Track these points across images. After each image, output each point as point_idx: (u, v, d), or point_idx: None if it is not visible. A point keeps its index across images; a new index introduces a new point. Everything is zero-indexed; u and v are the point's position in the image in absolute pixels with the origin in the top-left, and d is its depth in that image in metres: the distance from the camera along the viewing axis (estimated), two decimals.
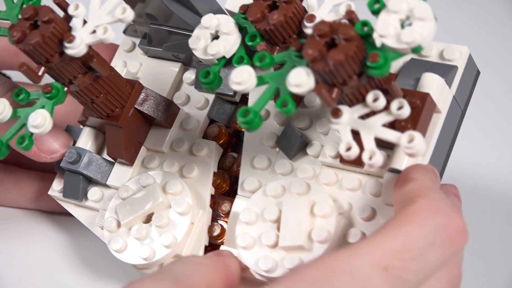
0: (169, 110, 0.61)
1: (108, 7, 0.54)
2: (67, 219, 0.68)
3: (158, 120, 0.60)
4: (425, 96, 0.53)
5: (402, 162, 0.52)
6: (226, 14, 0.59)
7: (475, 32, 0.76)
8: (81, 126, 0.63)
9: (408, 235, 0.46)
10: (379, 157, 0.49)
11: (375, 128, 0.50)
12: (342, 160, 0.55)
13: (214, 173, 0.60)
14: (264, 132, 0.59)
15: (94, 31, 0.53)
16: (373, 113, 0.51)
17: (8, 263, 0.68)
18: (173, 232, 0.57)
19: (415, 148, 0.48)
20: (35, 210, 0.70)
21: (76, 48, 0.53)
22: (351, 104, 0.51)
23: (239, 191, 0.59)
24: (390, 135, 0.50)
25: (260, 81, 0.51)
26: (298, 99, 0.59)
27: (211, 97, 0.62)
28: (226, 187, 0.61)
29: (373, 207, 0.54)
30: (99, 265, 0.67)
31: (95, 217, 0.61)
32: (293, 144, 0.57)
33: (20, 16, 0.54)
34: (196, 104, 0.62)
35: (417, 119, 0.52)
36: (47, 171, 0.65)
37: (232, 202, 0.60)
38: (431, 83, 0.54)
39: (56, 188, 0.63)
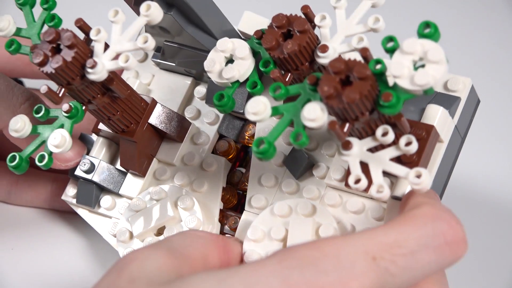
0: (181, 125, 0.61)
1: (129, 34, 0.54)
2: (79, 218, 0.68)
3: (170, 134, 0.61)
4: (430, 128, 0.54)
5: (405, 190, 0.53)
6: (238, 34, 0.60)
7: (476, 61, 0.77)
8: (95, 136, 0.64)
9: (403, 233, 0.46)
10: (387, 191, 0.50)
11: (384, 162, 0.51)
12: (347, 184, 0.56)
13: (223, 188, 0.61)
14: None
15: (115, 57, 0.53)
16: (381, 146, 0.52)
17: (21, 259, 0.68)
18: None
19: (422, 184, 0.50)
20: (48, 209, 0.70)
21: (98, 73, 0.53)
22: (360, 137, 0.52)
23: (246, 207, 0.59)
24: (399, 171, 0.51)
25: (275, 111, 0.52)
26: None
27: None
28: (234, 201, 0.61)
29: None
30: (110, 263, 0.68)
31: (107, 224, 0.62)
32: (300, 164, 0.58)
33: (42, 38, 0.54)
34: (206, 119, 0.62)
35: (422, 150, 0.53)
36: (60, 172, 0.66)
37: (240, 217, 0.60)
38: (435, 115, 0.55)
39: (69, 193, 0.64)
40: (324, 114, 0.50)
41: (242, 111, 0.61)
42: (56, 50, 0.54)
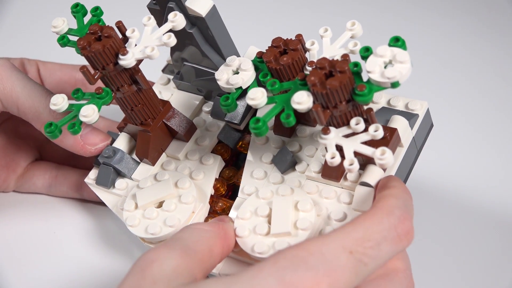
0: (189, 128, 0.61)
1: (158, 34, 0.54)
2: (98, 207, 0.69)
3: (179, 134, 0.60)
4: (394, 131, 0.53)
5: (371, 177, 0.53)
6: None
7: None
8: (119, 133, 0.63)
9: (368, 228, 0.46)
10: (356, 164, 0.49)
11: (355, 144, 0.50)
12: (323, 175, 0.55)
13: (216, 179, 0.60)
14: (264, 152, 0.59)
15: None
16: (353, 134, 0.51)
17: (42, 238, 0.68)
18: (177, 216, 0.56)
19: (385, 160, 0.49)
20: (76, 199, 0.70)
21: (128, 60, 0.54)
22: (337, 126, 0.51)
23: (239, 194, 0.58)
24: (367, 150, 0.50)
25: (270, 100, 0.52)
26: (293, 126, 0.60)
27: (221, 124, 0.62)
28: (223, 191, 0.60)
29: (345, 212, 0.54)
30: (116, 241, 0.67)
31: (118, 202, 0.60)
32: (285, 161, 0.57)
33: (87, 32, 0.55)
34: (209, 127, 0.62)
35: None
36: (89, 169, 0.65)
37: (227, 202, 0.59)
38: (398, 122, 0.55)
39: (91, 177, 0.62)
40: (309, 99, 0.50)
41: (237, 122, 0.61)
42: (98, 40, 0.54)
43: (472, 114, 0.76)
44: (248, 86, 0.56)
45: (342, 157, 0.51)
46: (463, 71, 0.80)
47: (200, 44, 0.60)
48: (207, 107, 0.64)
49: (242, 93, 0.57)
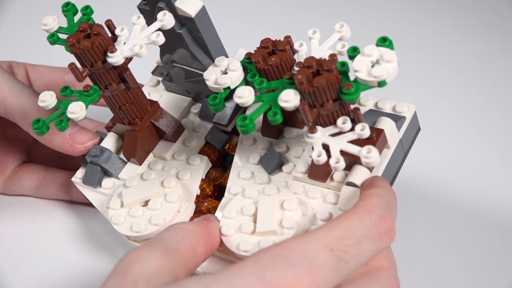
0: (176, 128, 0.59)
1: (147, 33, 0.53)
2: (86, 208, 0.67)
3: (167, 134, 0.59)
4: (380, 131, 0.51)
5: (357, 177, 0.51)
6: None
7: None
8: (107, 133, 0.61)
9: (349, 226, 0.45)
10: (342, 162, 0.48)
11: (342, 143, 0.49)
12: (310, 176, 0.54)
13: (202, 179, 0.58)
14: (251, 153, 0.58)
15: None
16: (340, 133, 0.50)
17: (29, 240, 0.66)
18: (162, 215, 0.54)
19: (371, 158, 0.48)
20: (63, 201, 0.68)
21: (116, 57, 0.52)
22: (324, 125, 0.50)
23: (226, 194, 0.56)
24: (353, 149, 0.49)
25: (258, 98, 0.50)
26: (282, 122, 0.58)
27: (209, 125, 0.61)
28: (209, 192, 0.58)
29: (330, 212, 0.52)
30: (101, 242, 0.65)
31: (104, 201, 0.59)
32: (272, 162, 0.56)
33: (77, 30, 0.53)
34: (197, 129, 0.60)
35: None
36: (76, 170, 0.63)
37: (212, 203, 0.58)
38: (385, 124, 0.53)
39: (78, 176, 0.61)
40: (296, 97, 0.49)
41: (225, 123, 0.59)
42: (86, 37, 0.53)
43: (460, 116, 0.75)
44: (236, 86, 0.55)
45: (329, 156, 0.49)
46: (452, 74, 0.80)
47: (189, 45, 0.58)
48: (195, 109, 0.63)
49: (230, 94, 0.56)
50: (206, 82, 0.54)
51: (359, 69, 0.48)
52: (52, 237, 0.66)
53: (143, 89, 0.65)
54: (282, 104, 0.49)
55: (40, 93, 0.60)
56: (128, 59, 0.55)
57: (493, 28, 0.85)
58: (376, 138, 0.52)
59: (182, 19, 0.57)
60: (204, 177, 0.59)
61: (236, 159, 0.58)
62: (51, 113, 0.55)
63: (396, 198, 0.49)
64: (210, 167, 0.60)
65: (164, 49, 0.61)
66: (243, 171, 0.57)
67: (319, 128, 0.50)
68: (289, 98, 0.49)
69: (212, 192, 0.59)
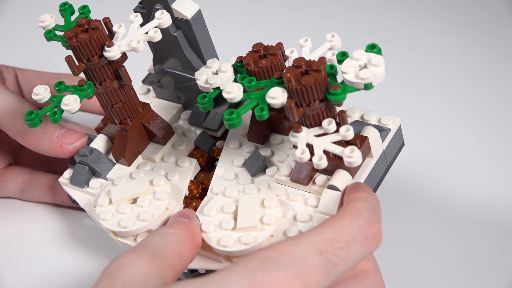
0: (166, 131, 0.57)
1: (145, 29, 0.52)
2: (70, 211, 0.65)
3: (157, 137, 0.57)
4: (364, 138, 0.49)
5: (339, 181, 0.49)
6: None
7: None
8: (97, 135, 0.59)
9: (337, 230, 0.43)
10: (325, 160, 0.46)
11: (326, 143, 0.47)
12: (292, 179, 0.51)
13: (191, 181, 0.55)
14: (235, 156, 0.55)
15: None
16: (325, 134, 0.47)
17: (14, 244, 0.64)
18: (151, 211, 0.52)
19: (354, 158, 0.45)
20: (49, 204, 0.65)
21: (113, 52, 0.51)
22: (310, 126, 0.48)
23: (208, 194, 0.54)
24: (336, 149, 0.47)
25: (246, 95, 0.49)
26: (268, 129, 0.56)
27: (199, 131, 0.59)
28: (196, 193, 0.56)
29: (310, 214, 0.50)
30: (85, 244, 0.62)
31: (91, 200, 0.56)
32: (256, 164, 0.53)
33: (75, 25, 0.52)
34: (187, 133, 0.58)
35: None
36: (62, 173, 0.60)
37: (200, 203, 0.54)
38: (369, 132, 0.51)
39: (65, 176, 0.58)
40: (284, 94, 0.46)
41: (215, 128, 0.57)
42: (84, 32, 0.51)
43: (449, 117, 0.74)
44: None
45: (312, 155, 0.46)
46: (437, 79, 0.78)
47: (183, 48, 0.57)
48: (185, 115, 0.61)
49: (222, 99, 0.53)
50: (197, 81, 0.52)
51: (347, 71, 0.47)
52: (38, 239, 0.64)
53: None
54: (269, 100, 0.47)
55: (28, 99, 0.58)
56: (124, 57, 0.53)
57: (477, 30, 0.84)
58: (359, 144, 0.50)
59: (177, 22, 0.56)
60: (192, 179, 0.56)
61: (221, 161, 0.56)
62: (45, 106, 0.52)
63: (379, 203, 0.48)
64: (199, 170, 0.57)
65: (158, 56, 0.59)
66: (227, 173, 0.55)
67: (304, 128, 0.48)
68: (277, 95, 0.47)
69: (200, 194, 0.57)
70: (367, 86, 0.46)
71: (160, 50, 0.58)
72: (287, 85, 0.46)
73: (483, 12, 0.87)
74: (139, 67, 0.64)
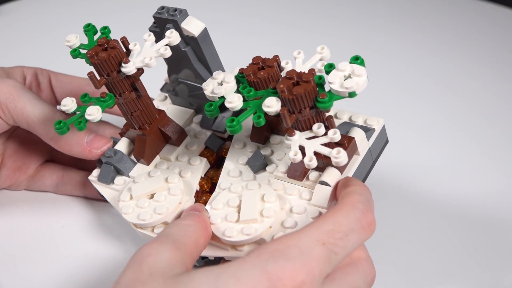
0: (180, 134, 0.62)
1: (156, 47, 0.56)
2: (98, 203, 0.70)
3: (172, 139, 0.62)
4: (351, 139, 0.54)
5: (329, 177, 0.54)
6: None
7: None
8: (120, 138, 0.64)
9: (337, 221, 0.47)
10: (315, 161, 0.51)
11: (315, 145, 0.52)
12: (289, 175, 0.56)
13: (201, 177, 0.61)
14: (240, 155, 0.60)
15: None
16: (315, 137, 0.52)
17: (49, 232, 0.68)
18: (166, 206, 0.57)
19: (340, 158, 0.50)
20: (80, 197, 0.70)
21: (129, 67, 0.56)
22: (302, 130, 0.53)
23: (216, 189, 0.59)
24: (325, 151, 0.51)
25: (245, 104, 0.53)
26: (269, 130, 0.60)
27: (209, 133, 0.63)
28: (207, 188, 0.61)
29: (305, 206, 0.54)
30: (112, 233, 0.67)
31: (116, 195, 0.61)
32: (257, 163, 0.58)
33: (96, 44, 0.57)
34: (198, 135, 0.63)
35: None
36: (91, 171, 0.66)
37: (209, 197, 0.60)
38: (355, 133, 0.55)
39: (94, 174, 0.63)
40: (278, 103, 0.51)
41: (222, 130, 0.62)
42: (104, 50, 0.56)
43: (427, 127, 0.78)
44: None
45: (304, 155, 0.51)
46: (420, 91, 0.83)
47: (193, 62, 0.62)
48: (197, 119, 0.66)
49: (224, 108, 0.59)
50: (204, 91, 0.57)
51: (333, 81, 0.51)
52: (70, 228, 0.69)
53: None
54: (265, 109, 0.51)
55: (59, 102, 0.62)
56: (140, 71, 0.58)
57: (456, 34, 0.90)
58: (347, 144, 0.54)
59: (187, 39, 0.61)
60: (203, 176, 0.61)
61: (228, 160, 0.61)
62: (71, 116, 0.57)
63: (371, 194, 0.52)
64: (209, 168, 0.62)
65: (171, 68, 0.65)
66: (232, 170, 0.60)
67: (297, 132, 0.52)
68: (271, 104, 0.51)
69: (210, 189, 0.62)
70: (351, 94, 0.50)
71: (173, 63, 0.63)
72: (281, 95, 0.51)
73: (460, 17, 0.91)
74: (157, 75, 0.70)
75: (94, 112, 0.56)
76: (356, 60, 0.52)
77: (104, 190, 0.63)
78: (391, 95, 0.82)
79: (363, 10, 1.00)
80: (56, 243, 0.67)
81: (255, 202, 0.54)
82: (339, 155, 0.50)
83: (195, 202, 0.60)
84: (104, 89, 0.59)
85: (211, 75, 0.62)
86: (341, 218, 0.47)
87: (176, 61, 0.62)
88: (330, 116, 0.52)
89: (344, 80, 0.50)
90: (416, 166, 0.72)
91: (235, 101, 0.53)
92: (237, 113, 0.62)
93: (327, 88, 0.52)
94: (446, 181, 0.70)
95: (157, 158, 0.63)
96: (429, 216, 0.67)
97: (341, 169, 0.54)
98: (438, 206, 0.67)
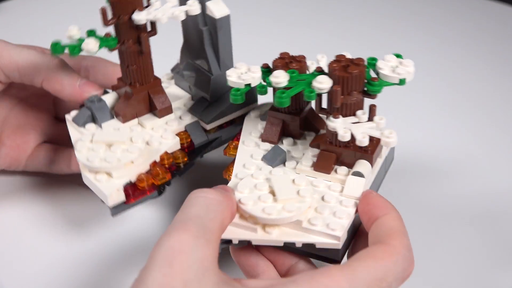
0: (166, 108, 0.58)
1: (174, 9, 0.55)
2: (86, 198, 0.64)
3: (156, 110, 0.58)
4: (378, 140, 0.52)
5: (361, 168, 0.51)
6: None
7: None
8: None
9: (387, 270, 0.45)
10: (367, 138, 0.49)
11: (363, 127, 0.49)
12: (316, 168, 0.52)
13: (166, 152, 0.56)
14: (252, 152, 0.55)
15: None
16: (358, 123, 0.50)
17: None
18: (117, 157, 0.54)
19: (392, 138, 0.49)
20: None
21: (141, 16, 0.54)
22: (344, 116, 0.50)
23: (232, 179, 0.53)
24: (374, 132, 0.49)
25: (290, 83, 0.51)
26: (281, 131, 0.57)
27: (194, 120, 0.59)
28: (166, 165, 0.56)
29: (336, 197, 0.50)
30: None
31: (81, 138, 0.56)
32: (277, 156, 0.54)
33: None
34: (183, 117, 0.59)
35: (374, 148, 0.52)
36: None
37: (164, 173, 0.55)
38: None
39: (72, 114, 0.60)
40: (330, 81, 0.49)
41: (206, 120, 0.59)
42: None
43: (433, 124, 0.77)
44: (256, 86, 0.53)
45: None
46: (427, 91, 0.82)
47: (205, 44, 0.58)
48: (188, 104, 0.61)
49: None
50: (228, 78, 0.53)
51: (383, 67, 0.50)
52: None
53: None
54: (316, 85, 0.49)
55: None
56: (153, 31, 0.56)
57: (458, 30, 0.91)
58: (376, 143, 0.53)
59: (207, 19, 0.58)
60: (168, 152, 0.57)
61: (239, 155, 0.56)
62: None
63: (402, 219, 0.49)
64: (178, 148, 0.58)
65: (185, 46, 0.62)
66: (248, 163, 0.54)
67: (340, 116, 0.50)
68: (324, 81, 0.50)
69: (169, 166, 0.57)
70: (401, 81, 0.50)
71: (188, 41, 0.60)
72: (334, 73, 0.49)
73: (465, 15, 0.95)
74: (171, 58, 0.66)
75: (91, 43, 0.53)
76: (398, 57, 0.52)
77: (73, 131, 0.59)
78: (396, 94, 0.81)
79: (364, 9, 1.00)
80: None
81: (288, 183, 0.50)
82: (392, 135, 0.49)
83: (149, 171, 0.55)
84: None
85: (218, 64, 0.59)
86: (392, 266, 0.45)
87: (191, 39, 0.59)
88: (373, 105, 0.51)
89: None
90: (421, 166, 0.70)
91: (281, 77, 0.50)
92: (237, 107, 0.60)
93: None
94: (450, 181, 0.68)
95: (135, 121, 0.58)
96: (429, 216, 0.64)
97: (372, 163, 0.53)
98: (438, 206, 0.65)
